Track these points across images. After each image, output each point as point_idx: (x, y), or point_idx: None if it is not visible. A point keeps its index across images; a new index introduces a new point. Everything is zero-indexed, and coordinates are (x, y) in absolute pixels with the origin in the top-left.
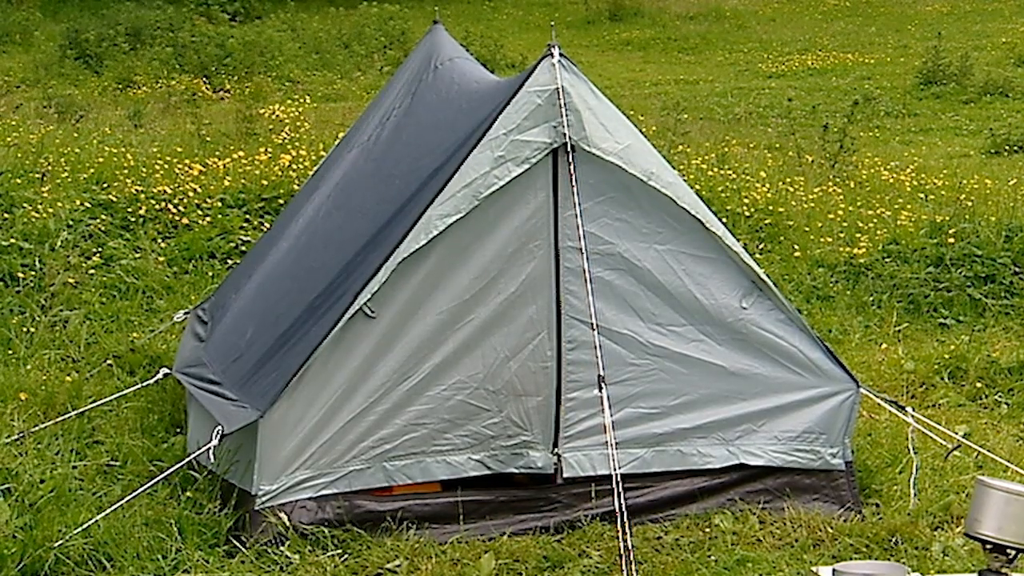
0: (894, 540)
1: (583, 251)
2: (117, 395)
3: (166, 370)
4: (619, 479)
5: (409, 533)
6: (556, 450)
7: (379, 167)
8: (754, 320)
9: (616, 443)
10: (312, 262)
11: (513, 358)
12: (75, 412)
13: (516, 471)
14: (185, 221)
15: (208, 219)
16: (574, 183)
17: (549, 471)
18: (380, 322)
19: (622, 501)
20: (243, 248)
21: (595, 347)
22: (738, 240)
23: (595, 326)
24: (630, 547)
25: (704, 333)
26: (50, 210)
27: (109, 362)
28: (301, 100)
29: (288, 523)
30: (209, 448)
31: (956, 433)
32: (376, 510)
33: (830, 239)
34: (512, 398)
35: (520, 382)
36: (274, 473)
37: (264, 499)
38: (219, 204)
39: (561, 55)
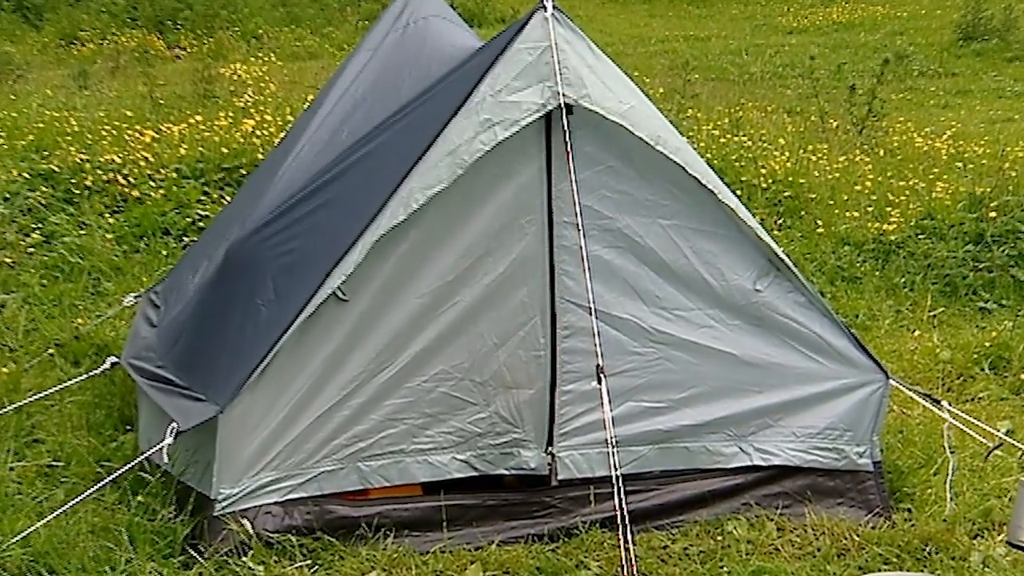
0: (928, 549)
1: (579, 227)
2: (59, 387)
3: (114, 360)
4: (620, 481)
5: (387, 541)
6: (550, 449)
7: (344, 137)
8: (770, 303)
9: (617, 441)
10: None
11: (502, 346)
12: (13, 407)
13: (506, 472)
14: (136, 194)
15: (162, 192)
16: (569, 150)
17: (542, 472)
18: (354, 306)
19: (624, 505)
20: (201, 224)
21: (593, 334)
22: (754, 215)
23: (593, 311)
24: (633, 557)
25: (714, 318)
26: None
27: (51, 351)
28: (266, 58)
29: (251, 531)
30: (163, 447)
31: (998, 430)
32: (350, 516)
33: (857, 214)
34: (501, 391)
35: (510, 373)
36: (236, 475)
37: (224, 504)
38: (174, 175)
39: (555, 8)
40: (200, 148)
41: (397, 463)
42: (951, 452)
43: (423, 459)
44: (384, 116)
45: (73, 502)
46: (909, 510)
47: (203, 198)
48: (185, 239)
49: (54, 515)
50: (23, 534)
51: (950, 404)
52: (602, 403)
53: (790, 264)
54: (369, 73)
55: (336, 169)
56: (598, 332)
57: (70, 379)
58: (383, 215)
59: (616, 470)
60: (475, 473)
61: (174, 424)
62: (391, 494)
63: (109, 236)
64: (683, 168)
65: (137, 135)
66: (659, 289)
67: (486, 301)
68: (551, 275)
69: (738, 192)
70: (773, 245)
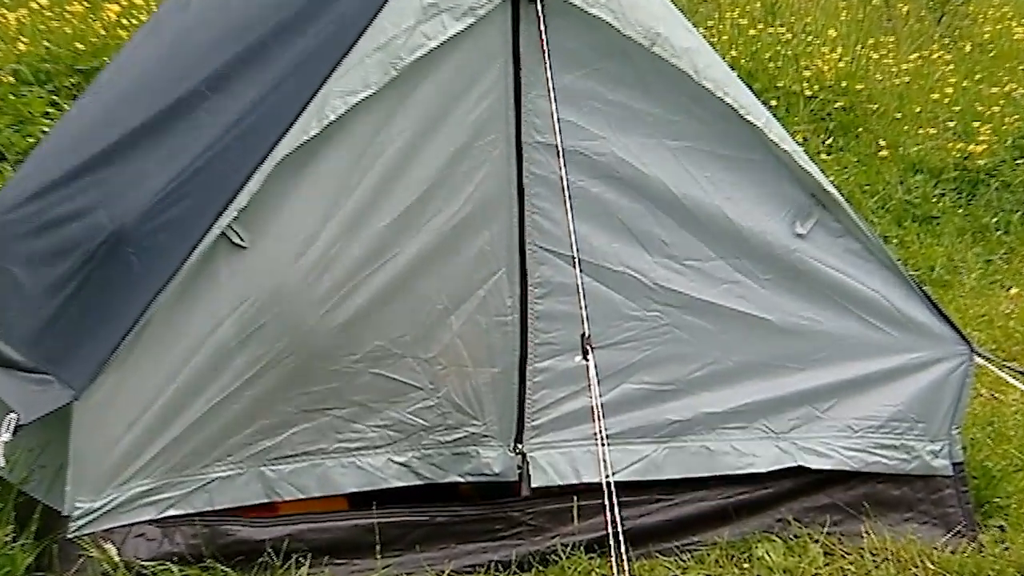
0: None
1: (559, 150)
2: None
3: None
4: (614, 490)
5: (302, 571)
6: (520, 447)
7: (238, 25)
8: (815, 253)
9: (609, 436)
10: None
11: (455, 311)
12: None
13: (460, 479)
14: None
15: None
16: (545, 48)
17: (509, 479)
18: (253, 255)
19: (619, 523)
20: None
21: (577, 292)
22: (794, 134)
23: (577, 261)
24: None
25: (740, 271)
26: None
27: None
28: None
29: (118, 558)
30: None
31: None
32: (251, 539)
33: (934, 131)
34: (454, 371)
35: (466, 347)
36: (97, 484)
37: (82, 522)
38: (11, 80)
39: None
40: (46, 43)
41: (315, 467)
42: None
43: (350, 462)
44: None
45: None
46: (1001, 528)
47: (51, 110)
48: None
49: None
50: None
51: None
52: (589, 386)
53: (842, 200)
54: None
55: (224, 71)
56: (583, 290)
57: None
58: (290, 131)
59: (609, 476)
60: (419, 481)
61: (12, 415)
62: (308, 509)
63: None
64: (692, 77)
65: None
66: (666, 233)
67: (434, 251)
68: (520, 215)
69: (772, 103)
70: (819, 174)
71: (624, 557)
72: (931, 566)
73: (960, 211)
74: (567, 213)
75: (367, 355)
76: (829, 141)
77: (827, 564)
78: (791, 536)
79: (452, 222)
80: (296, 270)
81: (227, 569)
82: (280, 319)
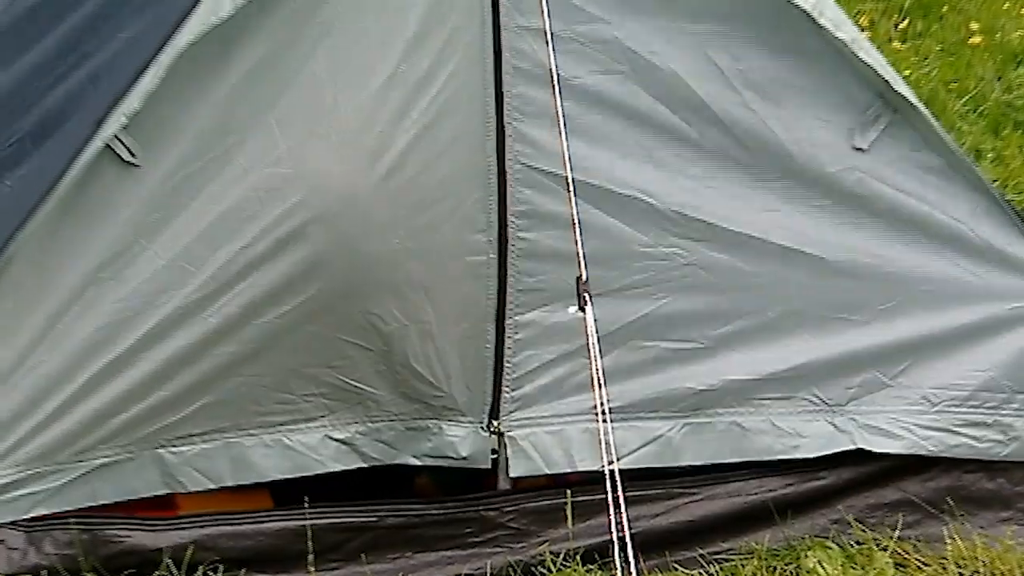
0: None
1: (547, 34)
2: None
3: None
4: (619, 480)
5: None
6: (495, 424)
7: None
8: (881, 171)
9: (613, 411)
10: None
11: (414, 250)
12: None
13: (417, 462)
14: None
15: None
16: None
17: (481, 465)
18: (148, 174)
19: (626, 525)
20: None
21: (572, 223)
22: (856, 16)
23: (571, 181)
24: None
25: (783, 195)
26: None
27: None
28: None
29: None
30: None
31: None
32: (145, 547)
33: None
34: (412, 327)
35: (427, 294)
36: None
37: None
38: None
39: None
40: None
41: (229, 448)
42: None
43: (275, 440)
44: None
45: None
46: None
47: None
48: None
49: None
50: None
51: None
52: (587, 346)
53: (917, 103)
54: None
55: None
56: (579, 220)
57: None
58: (196, 11)
59: (612, 462)
60: (363, 463)
61: None
62: (218, 507)
63: None
64: None
65: None
66: (686, 147)
67: (385, 172)
68: (498, 123)
69: None
70: (887, 69)
71: (632, 569)
72: None
73: None
74: (558, 118)
75: (298, 306)
76: (903, 25)
77: None
78: (852, 542)
79: (410, 133)
80: (200, 194)
81: None
82: (180, 258)
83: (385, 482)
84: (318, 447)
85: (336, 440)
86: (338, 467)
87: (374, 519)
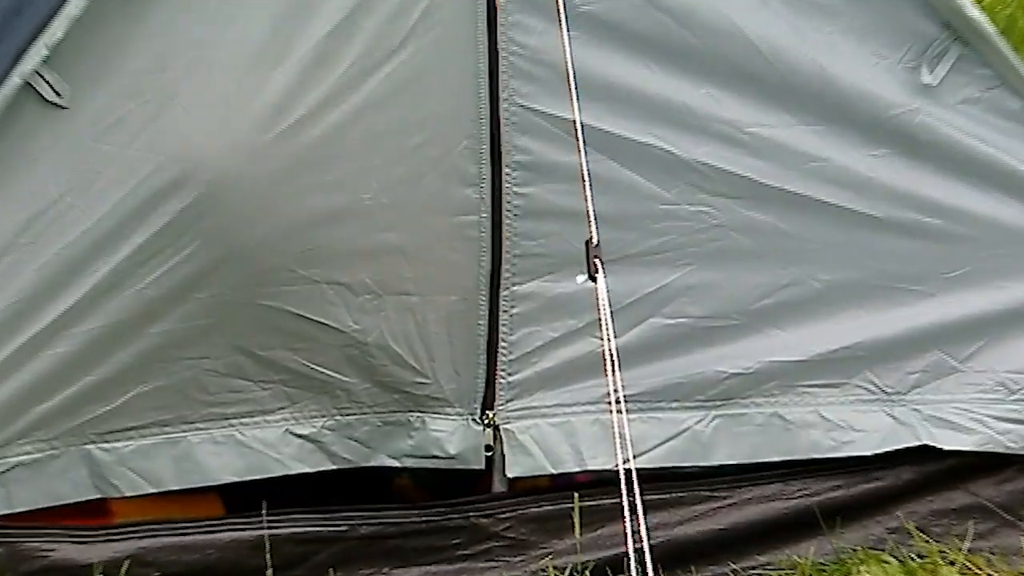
0: None
1: None
2: None
3: None
4: (637, 484)
5: None
6: (490, 416)
7: None
8: (948, 114)
9: (630, 399)
10: None
11: (390, 206)
12: None
13: (396, 464)
14: None
15: None
16: None
17: (474, 465)
18: (77, 118)
19: (644, 534)
20: None
21: (580, 175)
22: None
23: (579, 126)
24: None
25: (833, 142)
26: None
27: None
28: None
29: None
30: None
31: None
32: (74, 561)
33: None
34: (389, 299)
35: (408, 262)
36: None
37: None
38: None
39: None
40: None
41: (172, 445)
42: None
43: (226, 436)
44: None
45: None
46: None
47: None
48: None
49: None
50: None
51: None
52: (599, 322)
53: (992, 32)
54: None
55: None
56: (589, 172)
57: None
58: None
59: (628, 460)
60: (332, 464)
61: None
62: (159, 514)
63: None
64: None
65: None
66: (718, 83)
67: (356, 114)
68: (491, 56)
69: None
70: None
71: None
72: None
73: None
74: (564, 49)
75: (254, 275)
76: None
77: None
78: (913, 555)
79: (384, 69)
80: (141, 137)
81: None
82: (124, 216)
83: (357, 483)
84: (278, 444)
85: (299, 436)
86: (302, 468)
87: (344, 528)
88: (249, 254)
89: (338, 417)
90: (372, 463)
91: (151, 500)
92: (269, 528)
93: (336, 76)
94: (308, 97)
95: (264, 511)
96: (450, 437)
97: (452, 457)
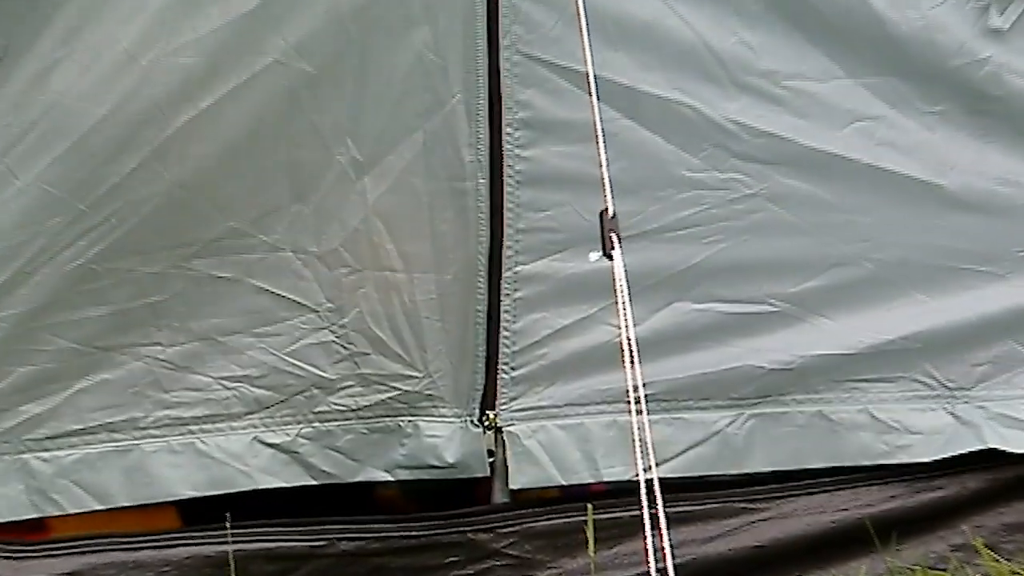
0: None
1: None
2: None
3: None
4: (660, 495)
5: None
6: (490, 417)
7: None
8: (1019, 65)
9: (651, 398)
10: None
11: (371, 169)
12: None
13: (385, 476)
14: None
15: None
16: None
17: (478, 472)
18: (17, 70)
19: (668, 552)
20: None
21: (594, 135)
22: None
23: (592, 78)
24: None
25: (887, 98)
26: None
27: None
28: None
29: None
30: None
31: None
32: None
33: None
34: (371, 277)
35: (391, 236)
36: None
37: None
38: None
39: None
40: None
41: (121, 455)
42: None
43: (184, 444)
44: None
45: None
46: None
47: None
48: None
49: None
50: None
51: None
52: (616, 308)
53: None
54: None
55: None
56: (603, 131)
57: None
58: None
59: (651, 469)
60: (310, 480)
61: None
62: (105, 527)
63: None
64: None
65: None
66: (753, 29)
67: (331, 59)
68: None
69: None
70: None
71: None
72: None
73: None
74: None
75: (211, 245)
76: None
77: None
78: (978, 573)
79: (363, 7)
80: (86, 91)
81: None
82: (60, 178)
83: (337, 492)
84: (244, 455)
85: (270, 446)
86: (274, 483)
87: (321, 543)
88: (202, 215)
89: (316, 424)
90: (360, 478)
91: (98, 514)
92: (234, 543)
93: (328, 19)
94: (288, 52)
95: (228, 523)
96: (447, 443)
97: (452, 466)
